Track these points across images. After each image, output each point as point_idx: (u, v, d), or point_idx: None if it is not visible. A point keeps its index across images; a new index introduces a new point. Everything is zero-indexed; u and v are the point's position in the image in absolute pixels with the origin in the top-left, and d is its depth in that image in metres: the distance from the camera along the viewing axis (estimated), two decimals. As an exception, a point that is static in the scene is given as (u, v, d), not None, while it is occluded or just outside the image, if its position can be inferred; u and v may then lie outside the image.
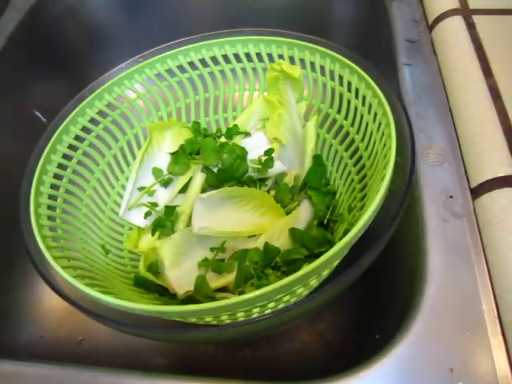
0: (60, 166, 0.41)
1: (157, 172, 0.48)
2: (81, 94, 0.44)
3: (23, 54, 0.59)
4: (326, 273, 0.32)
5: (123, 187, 0.48)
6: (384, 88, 0.37)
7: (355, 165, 0.43)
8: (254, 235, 0.41)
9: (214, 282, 0.38)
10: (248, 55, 0.48)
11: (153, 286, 0.40)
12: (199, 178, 0.46)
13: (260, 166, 0.46)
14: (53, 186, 0.39)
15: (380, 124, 0.37)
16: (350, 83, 0.42)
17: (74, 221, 0.41)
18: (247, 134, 0.50)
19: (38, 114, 0.59)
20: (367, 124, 0.40)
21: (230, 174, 0.45)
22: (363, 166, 0.41)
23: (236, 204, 0.41)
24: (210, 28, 0.48)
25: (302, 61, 0.46)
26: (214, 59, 0.49)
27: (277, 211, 0.44)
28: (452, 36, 0.48)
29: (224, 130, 0.50)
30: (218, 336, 0.31)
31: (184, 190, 0.47)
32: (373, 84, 0.38)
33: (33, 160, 0.38)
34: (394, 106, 0.35)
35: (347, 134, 0.44)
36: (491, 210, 0.34)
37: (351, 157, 0.44)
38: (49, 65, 0.63)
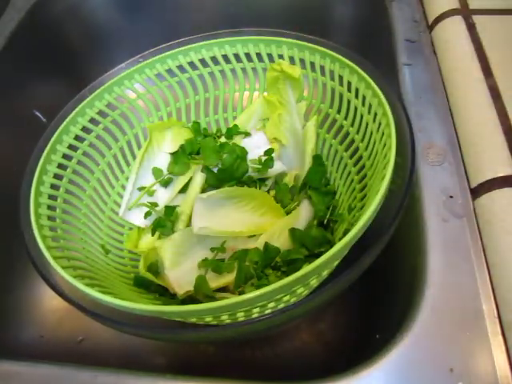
0: (60, 166, 0.41)
1: (157, 172, 0.48)
2: (81, 93, 0.44)
3: (23, 54, 0.59)
4: (326, 273, 0.32)
5: (123, 187, 0.48)
6: (384, 88, 0.37)
7: (355, 165, 0.43)
8: (254, 235, 0.41)
9: (214, 281, 0.38)
10: (248, 55, 0.48)
11: (153, 286, 0.40)
12: (199, 178, 0.46)
13: (260, 166, 0.46)
14: (53, 186, 0.39)
15: (380, 124, 0.37)
16: (349, 83, 0.41)
17: (73, 221, 0.41)
18: (247, 134, 0.50)
19: (38, 113, 0.59)
20: (367, 124, 0.40)
21: (230, 174, 0.45)
22: (363, 166, 0.41)
23: (236, 204, 0.41)
24: (210, 28, 0.48)
25: (301, 61, 0.46)
26: (214, 59, 0.49)
27: (277, 211, 0.44)
28: (452, 36, 0.48)
29: (224, 130, 0.50)
30: (218, 336, 0.31)
31: (184, 190, 0.47)
32: (373, 84, 0.38)
33: (33, 160, 0.38)
34: (393, 105, 0.35)
35: (347, 133, 0.44)
36: (491, 210, 0.34)
37: (351, 157, 0.44)
38: (49, 65, 0.64)
